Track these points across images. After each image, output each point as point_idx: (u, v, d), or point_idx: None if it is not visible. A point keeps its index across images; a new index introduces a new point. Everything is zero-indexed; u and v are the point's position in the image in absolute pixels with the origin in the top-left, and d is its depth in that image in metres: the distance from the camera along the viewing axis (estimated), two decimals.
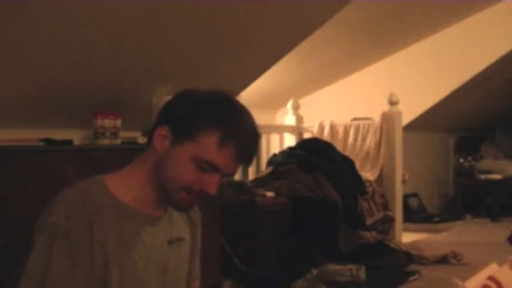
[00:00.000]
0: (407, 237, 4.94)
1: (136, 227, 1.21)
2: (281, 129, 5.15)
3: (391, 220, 4.42)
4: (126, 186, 1.22)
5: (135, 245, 1.20)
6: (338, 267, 3.42)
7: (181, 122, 1.17)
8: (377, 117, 4.85)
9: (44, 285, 1.11)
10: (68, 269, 1.12)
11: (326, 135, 4.97)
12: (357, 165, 4.45)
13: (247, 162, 1.20)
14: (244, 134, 1.17)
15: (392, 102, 4.76)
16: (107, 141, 2.78)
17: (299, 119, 5.12)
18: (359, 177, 4.30)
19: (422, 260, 4.02)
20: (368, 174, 4.58)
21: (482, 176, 6.57)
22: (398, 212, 4.71)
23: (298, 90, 5.58)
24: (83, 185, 1.21)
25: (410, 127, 5.60)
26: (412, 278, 3.61)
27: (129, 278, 1.19)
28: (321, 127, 5.04)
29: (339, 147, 4.67)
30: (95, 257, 1.14)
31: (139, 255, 1.20)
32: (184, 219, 1.36)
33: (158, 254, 1.25)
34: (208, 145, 1.14)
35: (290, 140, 5.01)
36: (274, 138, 5.04)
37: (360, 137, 4.89)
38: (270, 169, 4.18)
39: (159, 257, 1.25)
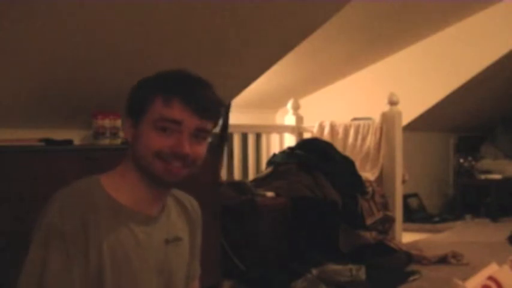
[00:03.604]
0: (407, 237, 4.94)
1: (132, 226, 1.21)
2: (281, 129, 5.15)
3: (391, 220, 4.42)
4: (121, 185, 1.23)
5: (130, 244, 1.20)
6: (338, 267, 3.41)
7: (133, 106, 1.24)
8: (377, 117, 4.85)
9: (41, 285, 1.11)
10: (64, 269, 1.12)
11: (326, 135, 4.97)
12: (357, 165, 4.45)
13: (201, 109, 1.21)
14: (184, 86, 1.22)
15: (392, 102, 4.76)
16: (107, 141, 2.78)
17: (299, 119, 5.12)
18: (359, 177, 4.30)
19: (422, 260, 4.02)
20: (368, 174, 4.58)
21: (482, 176, 6.57)
22: (398, 212, 4.71)
23: (298, 90, 5.58)
24: (79, 184, 1.22)
25: (410, 127, 5.60)
26: (412, 278, 3.61)
27: (125, 278, 1.19)
28: (321, 127, 5.04)
29: (339, 147, 4.67)
30: (90, 256, 1.14)
31: (135, 254, 1.21)
32: (182, 219, 1.36)
33: (155, 253, 1.25)
34: (157, 107, 1.20)
35: (290, 140, 5.01)
36: (274, 138, 5.05)
37: (360, 137, 4.89)
38: (270, 169, 4.18)
39: (156, 256, 1.25)
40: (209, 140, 1.28)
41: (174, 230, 1.31)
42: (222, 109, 1.31)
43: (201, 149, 1.23)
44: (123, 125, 1.27)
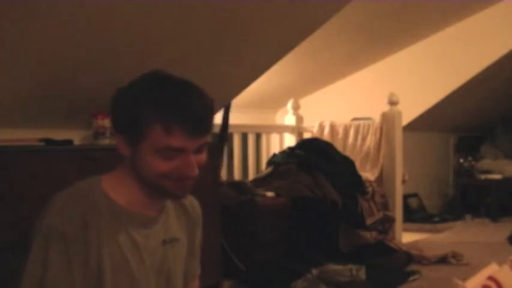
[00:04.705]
0: (407, 237, 4.94)
1: (130, 228, 1.21)
2: (281, 129, 5.15)
3: (391, 220, 4.42)
4: (120, 187, 1.23)
5: (128, 246, 1.20)
6: (338, 267, 3.42)
7: (125, 130, 1.20)
8: (377, 117, 4.85)
9: (42, 286, 1.12)
10: (65, 270, 1.13)
11: (326, 135, 4.97)
12: (357, 165, 4.45)
13: (201, 131, 1.18)
14: (181, 111, 1.16)
15: (392, 102, 4.76)
16: (107, 141, 2.78)
17: (299, 119, 5.12)
18: (359, 177, 4.30)
19: (422, 260, 4.02)
20: (368, 174, 4.58)
21: (482, 176, 6.57)
22: (398, 212, 4.71)
23: (298, 90, 5.58)
24: (80, 185, 1.22)
25: (410, 127, 5.60)
26: (412, 278, 3.61)
27: (123, 279, 1.19)
28: (321, 127, 5.04)
29: (339, 147, 4.67)
30: (90, 257, 1.14)
31: (133, 255, 1.21)
32: (182, 219, 1.36)
33: (152, 254, 1.25)
34: (158, 137, 1.15)
35: (290, 140, 5.01)
36: (274, 138, 5.04)
37: (360, 137, 4.89)
38: (270, 169, 4.18)
39: (154, 257, 1.25)
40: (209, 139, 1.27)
41: (171, 230, 1.31)
42: (214, 109, 1.28)
43: (203, 157, 1.22)
44: (115, 138, 1.24)
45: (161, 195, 1.23)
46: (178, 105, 1.16)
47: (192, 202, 1.41)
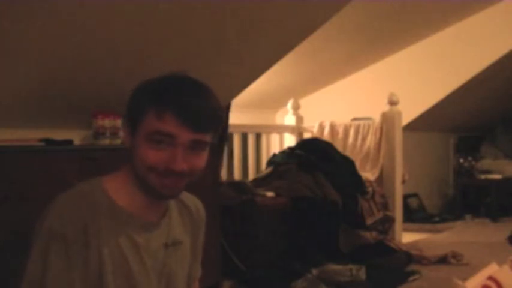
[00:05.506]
0: (407, 237, 4.94)
1: (130, 229, 1.21)
2: (281, 129, 5.15)
3: (391, 220, 4.42)
4: (121, 189, 1.22)
5: (128, 246, 1.20)
6: (338, 267, 3.42)
7: (129, 115, 1.22)
8: (377, 117, 4.85)
9: (42, 287, 1.12)
10: (65, 272, 1.13)
11: (326, 135, 4.97)
12: (357, 165, 4.45)
13: (195, 123, 1.17)
14: (178, 98, 1.17)
15: (392, 102, 4.76)
16: (107, 141, 2.78)
17: (299, 119, 5.12)
18: (359, 177, 4.30)
19: (422, 260, 4.03)
20: (368, 174, 4.58)
21: (482, 176, 6.57)
22: (398, 212, 4.71)
23: (298, 90, 5.58)
24: (81, 187, 1.22)
25: (410, 127, 5.60)
26: (412, 278, 3.61)
27: (123, 279, 1.19)
28: (321, 127, 5.04)
29: (339, 147, 4.67)
30: (90, 258, 1.14)
31: (133, 257, 1.21)
32: (185, 221, 1.35)
33: (153, 256, 1.25)
34: (150, 120, 1.17)
35: (290, 140, 5.01)
36: (274, 138, 5.05)
37: (360, 137, 4.89)
38: (270, 169, 4.18)
39: (155, 259, 1.25)
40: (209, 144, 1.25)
41: (174, 233, 1.31)
42: (222, 115, 1.27)
43: (199, 161, 1.21)
44: (122, 130, 1.26)
45: (149, 194, 1.22)
46: (175, 93, 1.18)
47: (196, 204, 1.40)
